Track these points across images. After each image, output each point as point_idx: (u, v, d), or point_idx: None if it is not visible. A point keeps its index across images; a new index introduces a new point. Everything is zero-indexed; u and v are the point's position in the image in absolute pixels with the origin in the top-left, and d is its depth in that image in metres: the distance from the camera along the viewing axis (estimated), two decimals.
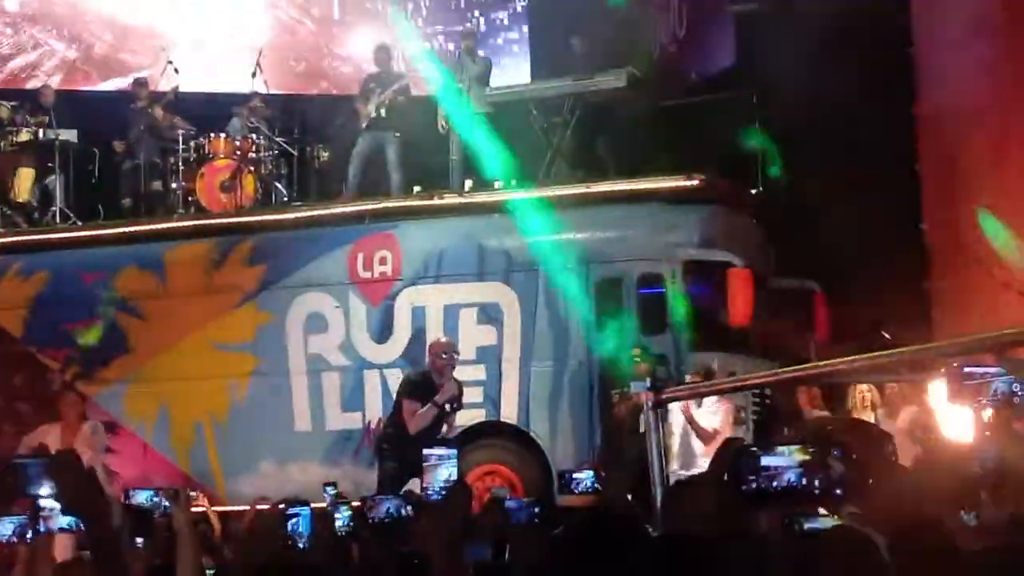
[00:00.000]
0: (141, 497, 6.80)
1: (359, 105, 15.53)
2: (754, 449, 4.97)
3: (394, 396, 12.54)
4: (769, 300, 13.06)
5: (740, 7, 16.03)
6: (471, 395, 12.54)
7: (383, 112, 15.34)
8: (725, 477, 5.20)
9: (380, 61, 15.95)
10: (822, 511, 4.92)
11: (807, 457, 4.75)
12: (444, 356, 11.91)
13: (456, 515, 6.23)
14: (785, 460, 4.77)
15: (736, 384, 12.09)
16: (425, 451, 6.57)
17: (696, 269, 13.12)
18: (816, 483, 4.75)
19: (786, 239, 14.22)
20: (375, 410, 13.54)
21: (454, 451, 6.60)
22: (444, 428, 11.76)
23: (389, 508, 6.84)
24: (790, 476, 4.74)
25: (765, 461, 4.77)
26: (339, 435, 13.68)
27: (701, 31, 17.02)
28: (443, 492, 6.37)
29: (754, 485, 4.74)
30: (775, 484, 4.72)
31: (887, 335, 13.19)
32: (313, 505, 6.80)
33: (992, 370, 6.71)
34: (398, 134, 15.34)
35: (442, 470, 6.45)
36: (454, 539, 5.93)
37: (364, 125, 15.41)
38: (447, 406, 11.71)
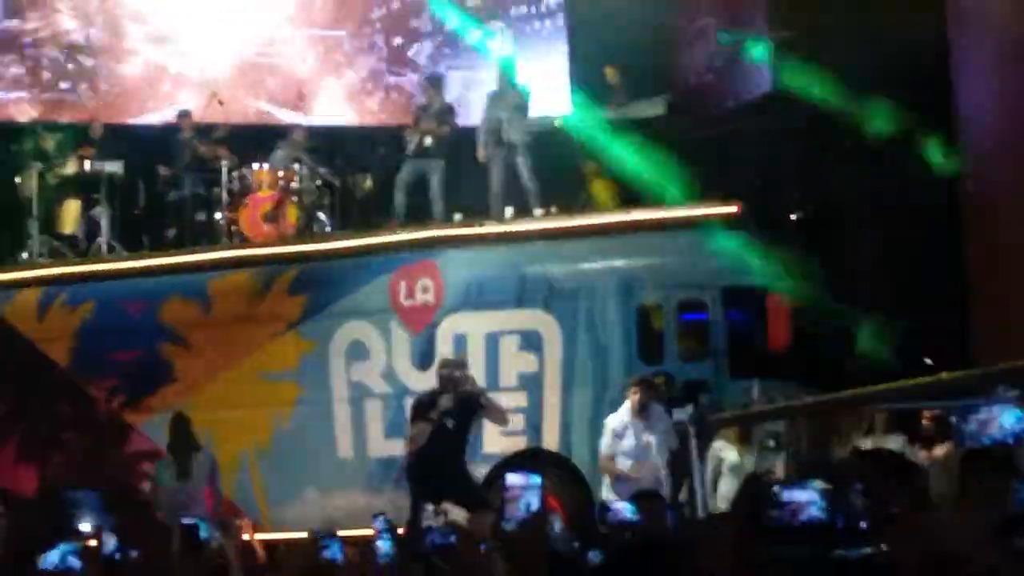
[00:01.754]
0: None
1: (408, 133, 15.62)
2: (775, 483, 4.97)
3: None
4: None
5: (776, 34, 16.08)
6: (512, 423, 12.64)
7: (428, 140, 15.44)
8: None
9: (430, 92, 16.07)
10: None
11: (829, 491, 4.74)
12: (445, 371, 11.95)
13: (539, 546, 6.05)
14: (807, 495, 4.76)
15: (781, 410, 12.18)
16: (507, 479, 6.38)
17: (735, 295, 13.20)
18: (838, 518, 4.73)
19: (824, 264, 14.24)
20: None
21: (538, 479, 6.43)
22: (462, 443, 11.77)
23: (434, 539, 6.88)
24: (812, 511, 4.73)
25: (787, 496, 4.76)
26: (381, 462, 13.77)
27: (737, 59, 17.07)
28: (525, 523, 6.21)
29: (776, 519, 4.73)
30: (797, 518, 4.71)
31: (928, 360, 13.19)
32: (357, 533, 6.87)
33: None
34: (442, 163, 15.43)
35: (523, 500, 6.27)
36: (538, 570, 5.80)
37: (410, 152, 15.51)
38: (447, 422, 11.67)
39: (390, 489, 13.55)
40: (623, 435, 11.92)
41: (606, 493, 11.76)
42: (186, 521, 6.96)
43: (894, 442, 11.90)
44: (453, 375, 11.88)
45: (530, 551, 5.88)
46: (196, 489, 12.07)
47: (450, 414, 11.69)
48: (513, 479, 6.35)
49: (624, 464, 11.87)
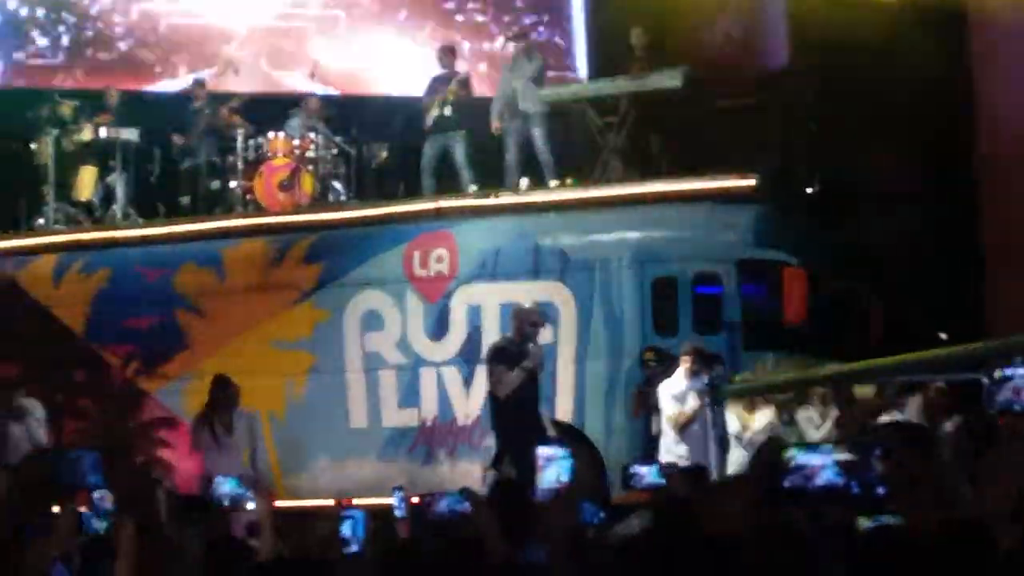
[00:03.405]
0: (225, 487, 6.95)
1: (425, 106, 15.56)
2: (791, 447, 4.97)
3: (450, 389, 12.98)
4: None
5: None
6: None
7: (447, 111, 15.36)
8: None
9: (444, 62, 16.01)
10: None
11: (846, 456, 4.73)
12: (533, 325, 11.91)
13: (571, 516, 6.06)
14: (822, 459, 4.75)
15: (796, 380, 12.19)
16: (537, 451, 6.37)
17: (751, 268, 13.16)
18: (854, 483, 4.72)
19: (840, 237, 14.21)
20: (431, 408, 13.67)
21: (566, 451, 6.42)
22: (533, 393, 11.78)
23: (447, 505, 6.86)
24: (827, 475, 4.72)
25: (801, 459, 4.76)
26: (395, 432, 13.79)
27: (756, 30, 17.00)
28: (554, 493, 6.17)
29: (789, 483, 4.73)
30: (811, 483, 4.71)
31: (943, 335, 13.18)
32: (373, 502, 6.84)
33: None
34: (463, 132, 15.36)
35: (551, 470, 6.27)
36: (571, 541, 5.78)
37: (429, 127, 15.43)
38: (536, 371, 11.72)
39: (403, 459, 13.59)
40: (684, 399, 11.99)
41: (665, 454, 11.76)
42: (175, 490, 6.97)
43: (910, 414, 11.91)
44: (533, 325, 11.87)
45: (560, 523, 5.87)
46: (237, 449, 12.03)
47: (541, 367, 11.77)
48: (543, 451, 6.34)
49: (691, 428, 11.97)
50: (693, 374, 12.02)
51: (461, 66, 16.42)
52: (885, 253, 14.41)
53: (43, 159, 15.88)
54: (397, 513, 7.54)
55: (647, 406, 12.55)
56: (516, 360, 11.66)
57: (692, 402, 11.98)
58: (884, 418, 12.17)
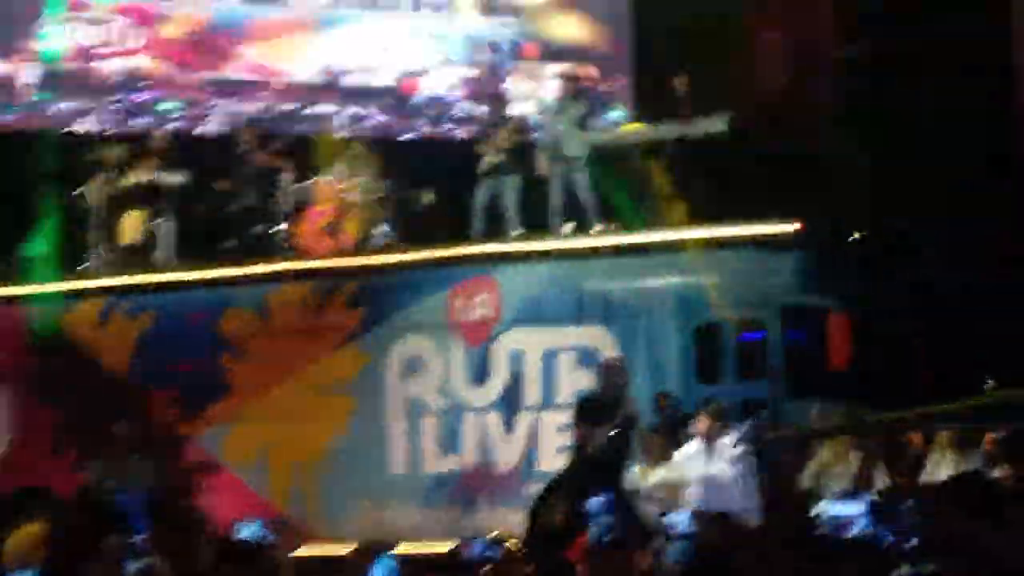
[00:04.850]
0: (247, 531, 6.93)
1: (478, 150, 15.53)
2: (824, 496, 4.88)
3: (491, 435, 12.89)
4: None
5: (846, 52, 15.94)
6: (568, 441, 12.48)
7: (501, 156, 15.32)
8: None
9: (496, 105, 16.01)
10: None
11: (880, 506, 4.65)
12: (612, 373, 11.58)
13: (624, 567, 6.03)
14: (855, 510, 4.67)
15: (838, 428, 12.02)
16: (589, 503, 6.33)
17: (795, 315, 13.05)
18: (888, 533, 4.64)
19: (888, 284, 14.07)
20: (471, 453, 13.59)
21: (621, 501, 6.35)
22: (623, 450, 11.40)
23: (479, 550, 6.83)
24: (859, 526, 4.64)
25: (834, 511, 4.69)
26: (435, 478, 13.72)
27: (805, 76, 16.93)
28: (608, 543, 6.14)
29: (823, 532, 4.66)
30: (845, 532, 4.63)
31: (991, 381, 13.00)
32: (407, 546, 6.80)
33: None
34: (516, 177, 15.32)
35: (604, 523, 6.22)
36: None
37: (483, 171, 15.41)
38: (624, 429, 11.32)
39: (443, 505, 13.51)
40: (692, 462, 11.54)
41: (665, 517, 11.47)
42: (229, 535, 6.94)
43: (967, 463, 11.70)
44: (619, 378, 11.53)
45: (617, 570, 5.87)
46: None
47: (626, 421, 11.31)
48: (594, 503, 6.32)
49: (694, 492, 11.40)
50: (709, 435, 11.52)
51: (513, 109, 16.42)
52: (935, 299, 14.26)
53: (90, 203, 15.98)
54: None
55: (659, 454, 12.11)
56: (603, 415, 11.41)
57: (694, 466, 11.50)
58: (932, 467, 12.04)
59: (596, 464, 11.21)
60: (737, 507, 11.10)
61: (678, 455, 11.67)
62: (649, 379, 13.27)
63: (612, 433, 11.22)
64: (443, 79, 19.11)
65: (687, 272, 13.51)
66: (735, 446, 11.43)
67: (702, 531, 7.78)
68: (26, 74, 18.41)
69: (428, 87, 19.09)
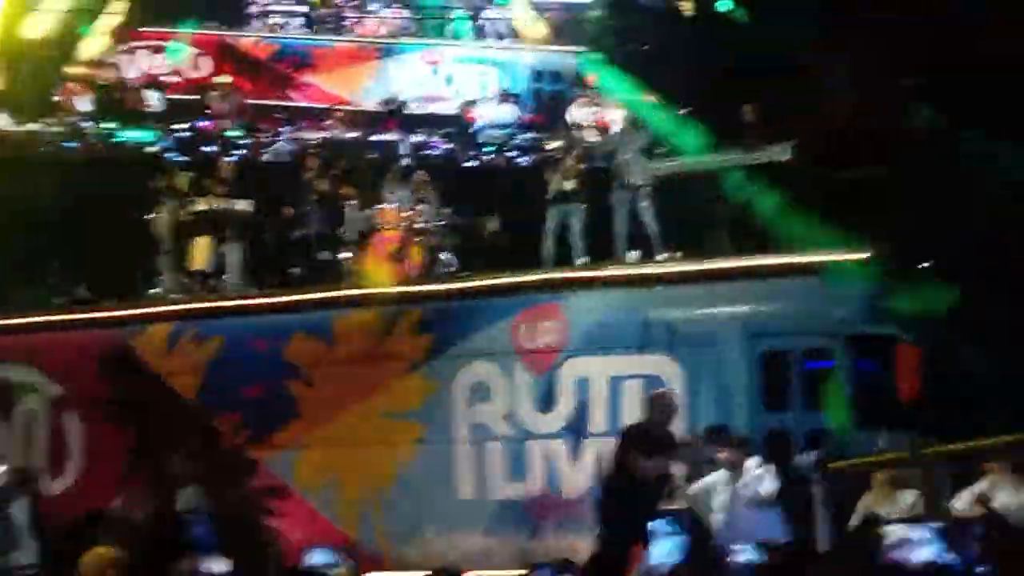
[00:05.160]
0: (318, 557, 7.00)
1: (547, 177, 15.59)
2: (889, 521, 4.87)
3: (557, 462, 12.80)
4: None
5: (909, 80, 15.89)
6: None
7: (569, 184, 15.37)
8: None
9: (561, 134, 16.07)
10: None
11: (948, 531, 4.63)
12: (663, 404, 11.19)
13: None
14: (922, 535, 4.66)
15: (903, 458, 11.95)
16: (652, 526, 6.29)
17: (863, 343, 13.01)
18: (955, 561, 4.62)
19: (958, 313, 13.98)
20: (537, 480, 13.62)
21: (681, 527, 6.34)
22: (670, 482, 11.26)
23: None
24: (927, 552, 4.63)
25: (901, 536, 4.68)
26: (502, 505, 13.76)
27: (872, 103, 16.86)
28: (669, 569, 6.13)
29: (888, 560, 4.65)
30: (910, 559, 4.61)
31: None
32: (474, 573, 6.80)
33: None
34: (583, 205, 15.36)
35: (668, 547, 6.22)
36: None
37: (551, 198, 15.47)
38: (671, 457, 11.05)
39: (510, 532, 13.54)
40: (712, 493, 11.45)
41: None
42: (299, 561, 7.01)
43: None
44: (671, 409, 11.25)
45: None
46: None
47: (673, 451, 11.04)
48: (656, 526, 6.31)
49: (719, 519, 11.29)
50: (732, 464, 11.44)
51: (578, 137, 16.47)
52: (1005, 329, 14.14)
53: (159, 229, 16.17)
54: None
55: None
56: (652, 445, 11.33)
57: (718, 495, 11.35)
58: (999, 495, 11.97)
59: (644, 494, 11.18)
60: (765, 534, 11.14)
61: (699, 484, 11.69)
62: (715, 407, 13.28)
63: (659, 462, 11.19)
64: (506, 107, 19.19)
65: (753, 300, 13.51)
66: (762, 474, 11.43)
67: (769, 559, 7.77)
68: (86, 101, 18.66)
69: (491, 115, 19.17)
